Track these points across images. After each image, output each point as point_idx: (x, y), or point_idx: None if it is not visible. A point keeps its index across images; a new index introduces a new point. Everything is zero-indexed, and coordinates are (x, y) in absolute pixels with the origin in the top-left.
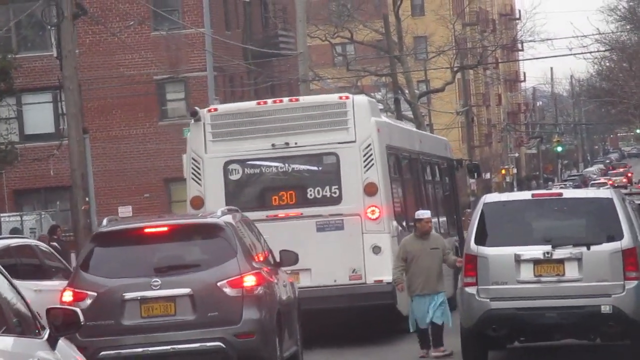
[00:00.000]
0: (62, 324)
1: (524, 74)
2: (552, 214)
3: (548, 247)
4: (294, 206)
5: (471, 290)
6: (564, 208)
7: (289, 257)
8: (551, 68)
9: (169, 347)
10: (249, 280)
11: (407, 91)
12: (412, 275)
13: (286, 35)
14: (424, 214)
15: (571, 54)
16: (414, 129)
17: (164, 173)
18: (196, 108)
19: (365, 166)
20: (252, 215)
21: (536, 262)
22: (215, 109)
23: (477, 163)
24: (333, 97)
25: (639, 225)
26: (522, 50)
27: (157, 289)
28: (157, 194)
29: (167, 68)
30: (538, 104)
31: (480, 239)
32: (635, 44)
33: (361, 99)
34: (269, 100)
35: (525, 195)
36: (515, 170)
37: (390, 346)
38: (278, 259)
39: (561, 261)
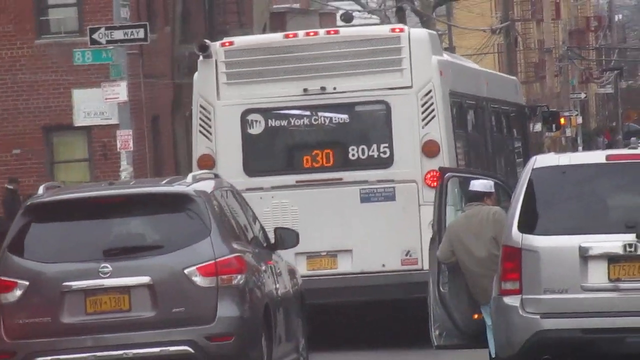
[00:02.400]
0: None
1: None
2: (637, 186)
3: (631, 237)
4: (331, 169)
5: (512, 301)
6: None
7: (288, 237)
8: None
9: (121, 351)
10: (227, 267)
11: None
12: None
13: None
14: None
15: None
16: (479, 67)
17: (42, 118)
18: (206, 41)
19: (424, 119)
20: (276, 180)
21: (612, 258)
22: (231, 43)
23: (556, 111)
24: (383, 29)
25: None
26: None
27: (107, 277)
28: (33, 149)
29: None
30: (617, 19)
31: (527, 224)
32: None
33: (420, 32)
34: (300, 33)
35: (597, 156)
36: (580, 120)
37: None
38: (273, 240)
39: None
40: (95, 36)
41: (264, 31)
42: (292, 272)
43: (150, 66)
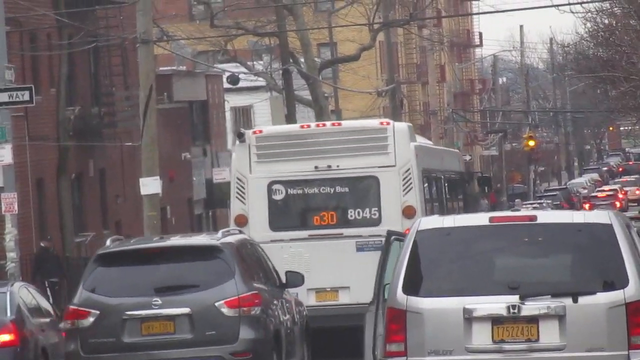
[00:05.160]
0: None
1: (480, 35)
2: (520, 247)
3: (514, 298)
4: (334, 226)
5: None
6: (538, 239)
7: (295, 278)
8: (520, 27)
9: None
10: (246, 301)
11: (302, 59)
12: None
13: None
14: None
15: (551, 6)
16: (437, 147)
17: None
18: (242, 130)
19: (404, 189)
20: (294, 234)
21: (496, 320)
22: (261, 131)
23: (488, 176)
24: (374, 123)
25: None
26: None
27: (157, 308)
28: None
29: None
30: (501, 81)
31: (412, 286)
32: None
33: (401, 125)
34: (312, 124)
35: (480, 219)
36: None
37: None
38: (284, 280)
39: (534, 319)
40: None
41: (150, 93)
42: (298, 305)
43: (35, 128)
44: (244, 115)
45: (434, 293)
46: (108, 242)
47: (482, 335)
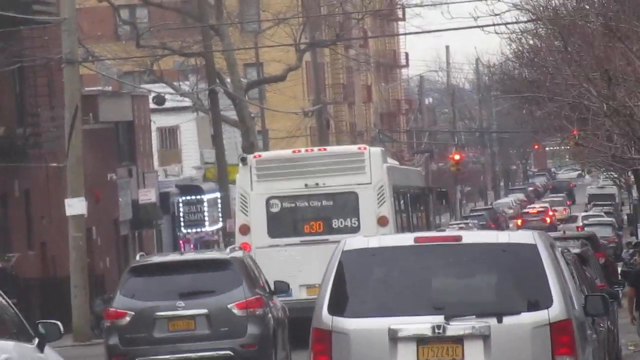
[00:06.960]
0: (48, 333)
1: (406, 55)
2: (445, 268)
3: (439, 319)
4: (321, 233)
5: None
6: (463, 259)
7: (282, 286)
8: (447, 47)
9: (189, 354)
10: (252, 303)
11: (228, 80)
12: None
13: None
14: None
15: (477, 27)
16: (403, 167)
17: None
18: (244, 155)
19: (378, 203)
20: (288, 240)
21: (421, 340)
22: (260, 156)
23: (445, 190)
24: (353, 148)
25: (576, 286)
26: (404, 19)
27: (181, 310)
28: None
29: None
30: (427, 102)
31: (337, 306)
32: (572, 10)
33: (376, 150)
34: (302, 149)
35: (405, 239)
36: None
37: None
38: (273, 288)
39: (459, 339)
40: None
41: (75, 113)
42: (283, 309)
43: None
44: (170, 136)
45: (360, 313)
46: (137, 257)
47: (407, 356)
